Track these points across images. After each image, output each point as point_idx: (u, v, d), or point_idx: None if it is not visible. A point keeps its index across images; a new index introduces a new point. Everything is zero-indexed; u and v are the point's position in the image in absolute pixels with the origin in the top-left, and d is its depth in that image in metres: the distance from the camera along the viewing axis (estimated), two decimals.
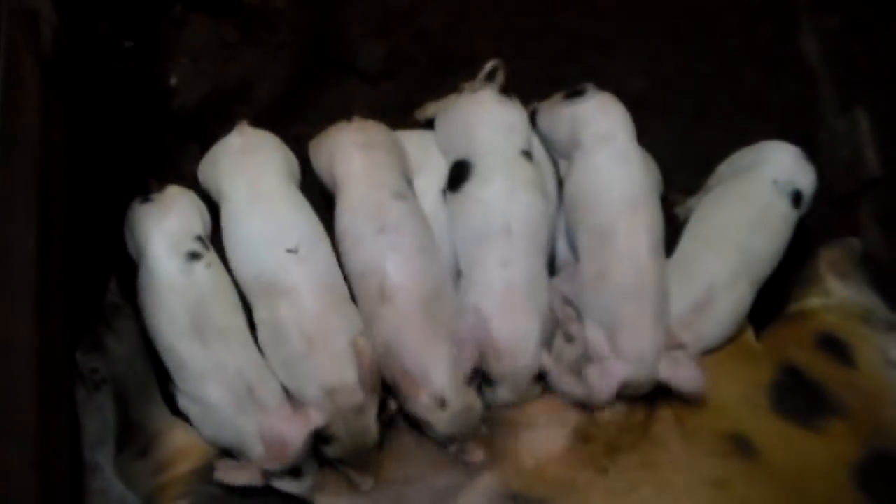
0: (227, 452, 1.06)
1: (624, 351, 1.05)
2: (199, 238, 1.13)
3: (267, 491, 1.03)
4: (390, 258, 1.07)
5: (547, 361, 1.07)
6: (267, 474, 1.02)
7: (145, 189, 1.15)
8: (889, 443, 1.08)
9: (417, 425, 1.06)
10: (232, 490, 1.03)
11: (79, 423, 1.10)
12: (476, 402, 1.05)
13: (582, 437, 1.05)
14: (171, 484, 1.04)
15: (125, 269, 1.15)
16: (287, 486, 1.04)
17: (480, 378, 1.07)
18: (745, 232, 1.14)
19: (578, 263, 1.12)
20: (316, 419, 1.02)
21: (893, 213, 1.36)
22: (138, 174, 1.20)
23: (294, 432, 1.01)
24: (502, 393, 1.07)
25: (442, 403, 1.02)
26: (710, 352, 1.12)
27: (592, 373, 1.05)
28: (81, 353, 1.13)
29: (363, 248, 1.09)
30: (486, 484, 1.01)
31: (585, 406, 1.06)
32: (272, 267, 1.07)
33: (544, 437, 1.05)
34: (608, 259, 1.08)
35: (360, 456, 1.04)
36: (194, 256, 1.10)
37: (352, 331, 1.06)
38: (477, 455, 1.04)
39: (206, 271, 1.10)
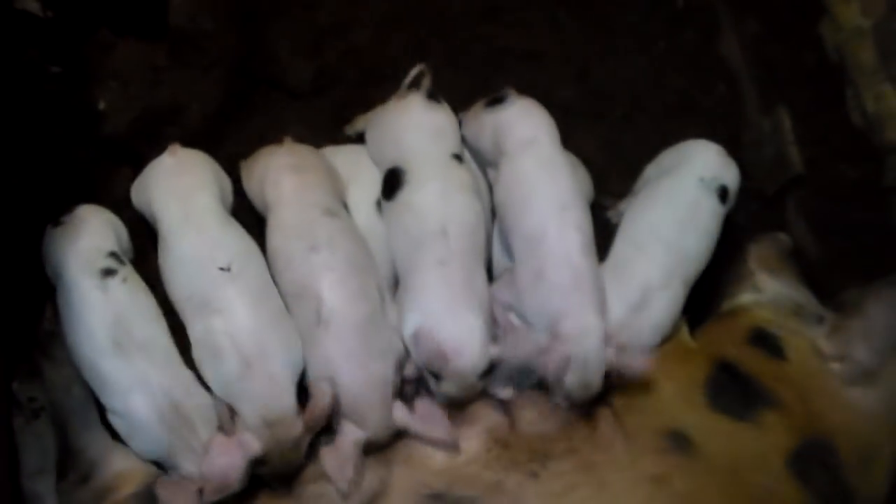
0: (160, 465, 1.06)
1: (568, 334, 1.06)
2: (113, 254, 1.13)
3: None
4: (324, 278, 1.07)
5: (493, 354, 1.08)
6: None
7: (56, 213, 1.16)
8: (821, 431, 1.12)
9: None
10: None
11: (17, 453, 1.09)
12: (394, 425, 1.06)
13: (499, 443, 1.05)
14: None
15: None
16: None
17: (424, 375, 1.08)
18: (675, 231, 1.17)
19: (514, 268, 1.14)
20: (252, 448, 1.02)
21: (818, 208, 1.40)
22: (69, 200, 1.19)
23: (233, 467, 1.01)
24: (448, 388, 1.07)
25: (366, 441, 1.04)
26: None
27: (544, 362, 1.06)
28: (18, 383, 1.12)
29: (295, 267, 1.09)
30: (405, 484, 1.02)
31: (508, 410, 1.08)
32: (205, 286, 1.07)
33: (462, 438, 1.06)
34: (542, 261, 1.10)
35: (286, 474, 1.06)
36: (108, 273, 1.10)
37: (290, 350, 1.06)
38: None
39: (123, 286, 1.09)
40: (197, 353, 1.07)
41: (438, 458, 1.04)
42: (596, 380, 1.06)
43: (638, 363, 1.07)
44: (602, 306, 1.10)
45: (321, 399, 1.02)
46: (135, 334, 1.06)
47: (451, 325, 1.06)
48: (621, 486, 1.01)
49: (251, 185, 1.20)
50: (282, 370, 1.04)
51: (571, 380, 1.05)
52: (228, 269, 1.07)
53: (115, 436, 1.09)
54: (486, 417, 1.07)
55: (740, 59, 1.49)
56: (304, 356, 1.07)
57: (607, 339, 1.08)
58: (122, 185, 1.24)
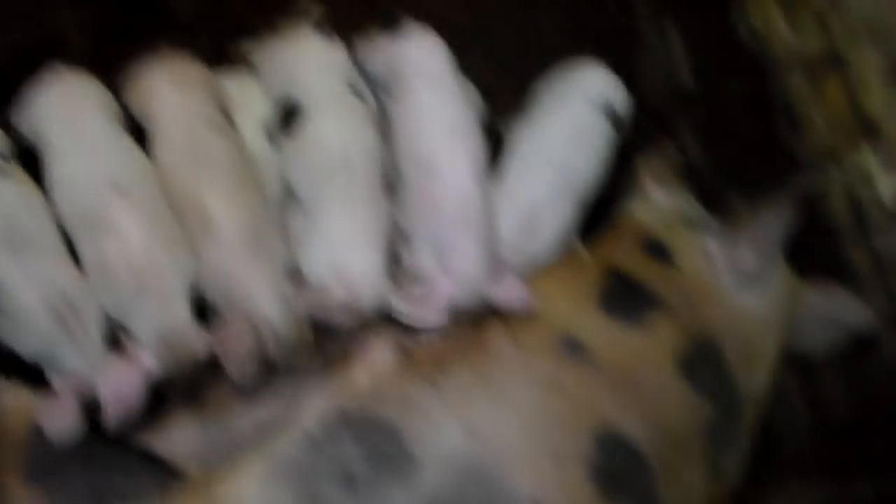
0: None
1: (452, 272, 1.09)
2: (3, 156, 1.11)
3: (98, 442, 1.03)
4: (210, 194, 1.08)
5: (386, 289, 1.10)
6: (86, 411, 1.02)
7: None
8: (709, 333, 1.17)
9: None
10: (71, 449, 1.01)
11: None
12: (307, 334, 1.07)
13: (407, 354, 1.08)
14: (7, 447, 1.03)
15: None
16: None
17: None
18: (563, 150, 1.20)
19: (404, 192, 1.15)
20: (150, 367, 1.02)
21: (707, 124, 1.45)
22: None
23: (132, 388, 1.01)
24: (345, 321, 1.09)
25: (275, 332, 1.05)
26: (539, 267, 1.17)
27: (422, 294, 1.09)
28: None
29: (182, 185, 1.09)
30: (314, 410, 1.03)
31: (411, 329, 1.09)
32: (96, 204, 1.06)
33: (372, 357, 1.08)
34: (432, 187, 1.12)
35: (188, 393, 1.06)
36: None
37: (184, 266, 1.06)
38: (320, 366, 1.07)
39: (13, 188, 1.08)
40: (88, 271, 1.06)
41: (356, 379, 1.06)
42: (475, 311, 1.10)
43: (517, 302, 1.10)
44: (490, 239, 1.13)
45: (238, 334, 1.03)
46: (25, 232, 1.05)
47: (356, 258, 1.08)
48: (516, 393, 1.04)
49: (135, 102, 1.19)
50: (175, 285, 1.05)
51: (455, 309, 1.09)
52: (119, 186, 1.06)
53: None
54: (394, 334, 1.10)
55: None
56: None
57: (493, 263, 1.11)
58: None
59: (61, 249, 1.07)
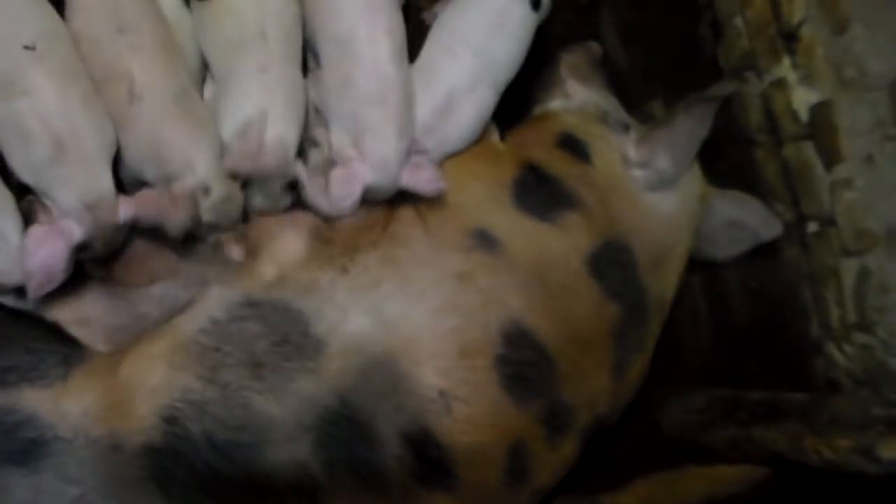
0: None
1: (368, 155, 1.06)
2: None
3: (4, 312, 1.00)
4: (133, 59, 1.02)
5: (300, 170, 1.06)
6: None
7: None
8: (619, 232, 1.17)
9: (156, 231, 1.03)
10: None
11: None
12: (237, 193, 1.04)
13: (320, 239, 1.05)
14: None
15: None
16: (10, 301, 0.99)
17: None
18: (484, 36, 1.15)
19: (321, 71, 1.11)
20: (73, 234, 0.97)
21: (630, 20, 1.42)
22: None
23: (56, 256, 0.96)
24: (255, 198, 1.06)
25: (206, 191, 1.01)
26: (454, 154, 1.14)
27: (336, 175, 1.05)
28: None
29: (102, 51, 1.03)
30: (220, 292, 1.01)
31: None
32: (8, 66, 0.98)
33: (283, 243, 1.05)
34: (350, 66, 1.08)
35: (101, 265, 1.02)
36: None
37: (103, 132, 1.00)
38: (236, 251, 1.03)
39: None
40: (2, 137, 0.99)
41: (262, 269, 1.03)
42: (390, 188, 1.08)
43: (430, 186, 1.08)
44: (407, 122, 1.09)
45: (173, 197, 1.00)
46: None
47: (269, 131, 1.03)
48: (425, 282, 1.03)
49: None
50: (96, 151, 0.99)
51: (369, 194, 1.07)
52: (34, 48, 0.98)
53: None
54: (312, 219, 1.07)
55: None
56: (118, 139, 1.02)
57: (409, 146, 1.08)
58: None
59: None
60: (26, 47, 0.98)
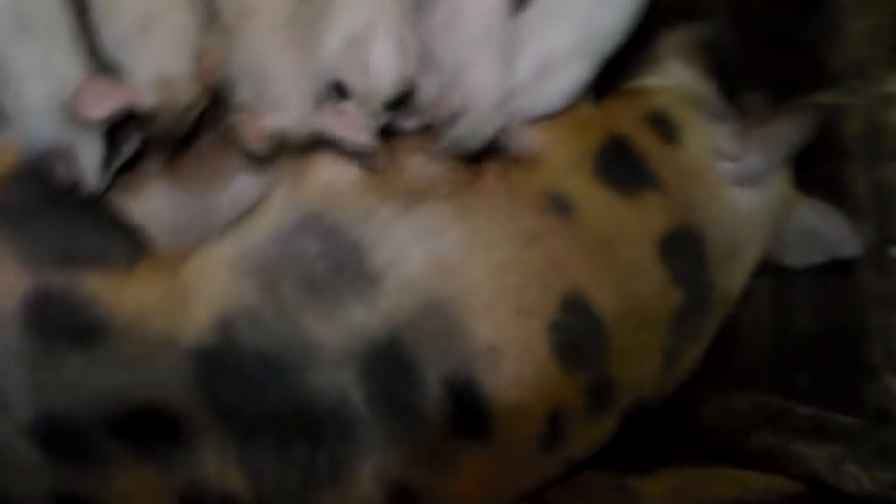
0: None
1: (468, 84, 1.04)
2: None
3: (73, 201, 0.99)
4: None
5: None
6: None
7: None
8: (696, 220, 1.15)
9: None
10: (47, 191, 0.98)
11: None
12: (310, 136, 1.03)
13: (380, 174, 1.04)
14: None
15: None
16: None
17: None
18: (590, 3, 1.13)
19: (427, 9, 1.09)
20: (142, 97, 0.96)
21: (744, 7, 1.38)
22: None
23: (117, 95, 0.96)
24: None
25: (282, 133, 1.01)
26: (544, 117, 1.13)
27: (434, 113, 1.04)
28: None
29: None
30: (285, 198, 1.02)
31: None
32: None
33: (339, 165, 1.04)
34: (458, 5, 1.06)
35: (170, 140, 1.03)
36: None
37: (192, 21, 1.00)
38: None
39: None
40: (95, 12, 1.00)
41: (319, 178, 1.03)
42: (484, 136, 1.06)
43: (524, 140, 1.07)
44: (508, 67, 1.08)
45: (208, 57, 0.99)
46: (37, 18, 0.98)
47: (378, 45, 1.02)
48: (494, 237, 1.03)
49: None
50: (182, 32, 0.99)
51: (461, 130, 1.04)
52: None
53: None
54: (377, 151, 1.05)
55: None
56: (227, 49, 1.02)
57: (505, 100, 1.06)
58: None
59: (71, 37, 0.99)
60: None
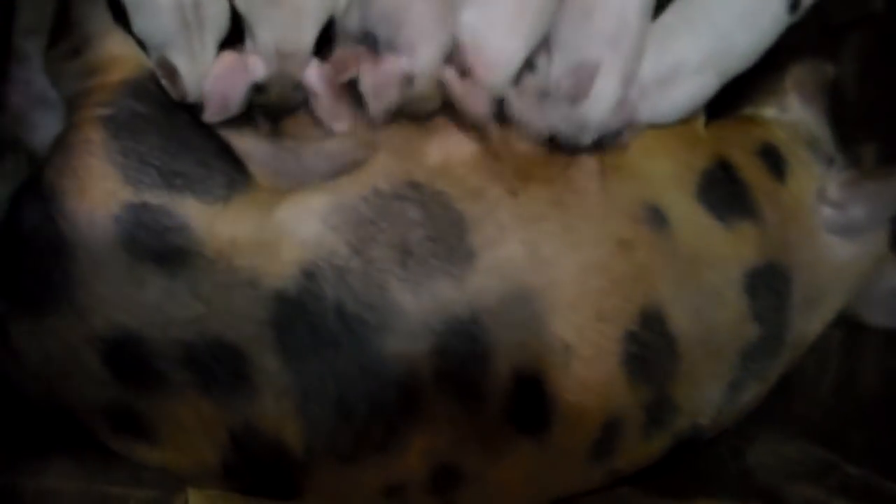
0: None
1: (588, 89, 1.04)
2: None
3: (187, 117, 1.03)
4: None
5: (511, 91, 1.05)
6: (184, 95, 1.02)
7: None
8: (787, 260, 1.14)
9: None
10: (157, 110, 1.01)
11: (13, 5, 1.04)
12: (435, 96, 1.04)
13: (493, 153, 1.05)
14: (97, 90, 1.01)
15: None
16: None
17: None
18: (732, 20, 1.11)
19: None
20: (257, 71, 1.01)
21: (877, 55, 1.34)
22: None
23: (235, 88, 1.00)
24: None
25: (409, 81, 1.01)
26: (657, 126, 1.12)
27: (545, 103, 1.04)
28: None
29: None
30: (390, 164, 1.02)
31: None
32: None
33: (455, 140, 1.05)
34: (595, 2, 1.05)
35: (279, 111, 1.05)
36: None
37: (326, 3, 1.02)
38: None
39: None
40: None
41: (429, 152, 1.04)
42: (589, 135, 1.05)
43: (626, 139, 1.07)
44: (631, 75, 1.07)
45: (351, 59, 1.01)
46: None
47: (499, 39, 1.03)
48: (586, 236, 1.02)
49: None
50: (313, 9, 1.01)
51: (570, 126, 1.05)
52: None
53: (117, 18, 1.05)
54: (486, 129, 1.05)
55: None
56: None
57: (621, 103, 1.06)
58: None
59: None
60: None
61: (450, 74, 1.03)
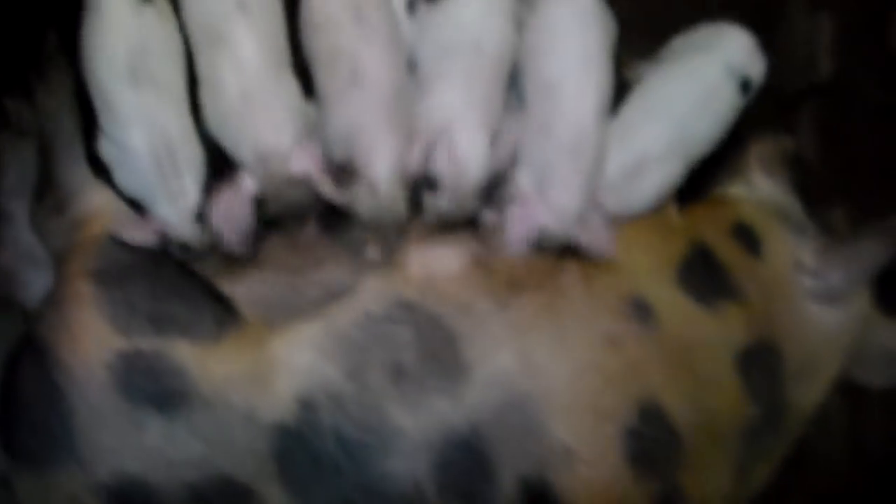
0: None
1: (549, 200, 1.07)
2: None
3: (171, 263, 1.05)
4: (365, 45, 1.07)
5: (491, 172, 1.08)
6: (161, 236, 1.04)
7: None
8: (775, 335, 1.15)
9: (327, 218, 1.08)
10: (141, 258, 1.03)
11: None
12: (401, 204, 1.06)
13: (482, 267, 1.06)
14: (83, 243, 1.04)
15: (66, 20, 1.11)
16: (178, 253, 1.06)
17: (423, 183, 1.07)
18: (688, 108, 1.15)
19: (524, 111, 1.12)
20: (249, 187, 1.05)
21: (832, 121, 1.38)
22: None
23: (240, 210, 1.04)
24: (443, 200, 1.07)
25: (374, 191, 1.04)
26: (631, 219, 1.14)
27: (514, 213, 1.07)
28: (9, 100, 1.10)
29: (337, 32, 1.08)
30: (378, 287, 1.04)
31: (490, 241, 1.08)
32: (219, 17, 1.07)
33: (441, 255, 1.07)
34: (551, 112, 1.09)
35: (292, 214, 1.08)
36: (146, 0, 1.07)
37: (291, 99, 1.07)
38: (375, 252, 1.06)
39: (156, 17, 1.07)
40: (202, 89, 1.07)
41: (417, 269, 1.05)
42: (558, 243, 1.08)
43: (600, 246, 1.08)
44: (593, 177, 1.10)
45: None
46: (153, 69, 1.05)
47: (464, 136, 1.06)
48: (577, 339, 1.04)
49: None
50: (281, 109, 1.06)
51: (539, 231, 1.07)
52: (244, 5, 1.06)
53: (97, 173, 1.08)
54: (470, 240, 1.08)
55: None
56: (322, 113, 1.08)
57: (589, 204, 1.09)
58: None
59: (181, 91, 1.08)
60: (238, 2, 1.06)
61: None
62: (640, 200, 1.14)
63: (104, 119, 1.05)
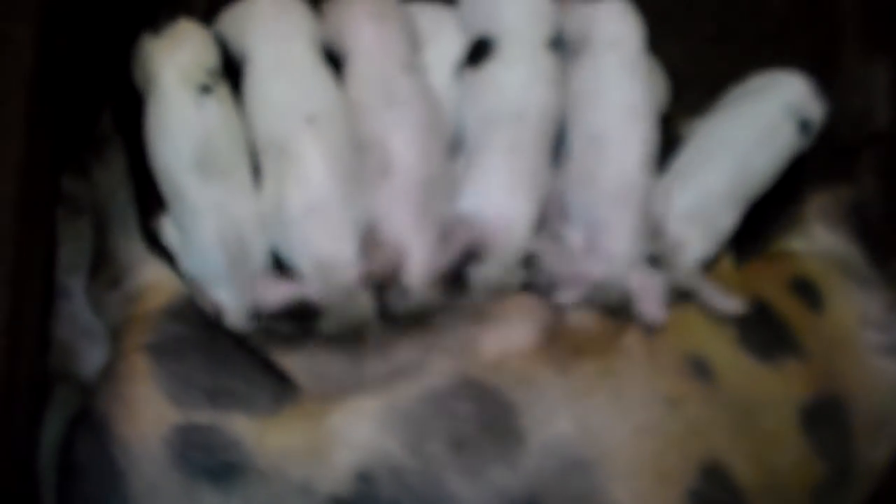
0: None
1: (600, 249, 1.06)
2: (212, 72, 1.11)
3: (228, 335, 1.06)
4: (396, 134, 1.07)
5: (537, 246, 1.08)
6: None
7: (154, 23, 1.13)
8: (840, 391, 1.11)
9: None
10: (197, 332, 1.04)
11: (56, 247, 1.10)
12: (435, 298, 1.05)
13: (551, 336, 1.06)
14: (139, 318, 1.05)
15: (121, 101, 1.14)
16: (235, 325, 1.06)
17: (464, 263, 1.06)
18: (748, 146, 1.15)
19: (569, 162, 1.12)
20: (303, 289, 1.03)
21: (893, 169, 1.36)
22: (143, 7, 1.16)
23: (284, 295, 1.03)
24: (488, 270, 1.06)
25: (406, 296, 1.04)
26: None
27: (566, 269, 1.06)
28: (67, 178, 1.12)
29: (369, 120, 1.08)
30: (443, 365, 1.03)
31: (558, 306, 1.07)
32: (285, 132, 1.06)
33: (514, 332, 1.06)
34: (597, 165, 1.09)
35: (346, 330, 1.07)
36: (206, 90, 1.09)
37: (356, 205, 1.05)
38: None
39: (217, 106, 1.09)
40: (263, 191, 1.07)
41: (486, 348, 1.05)
42: (614, 299, 1.07)
43: (653, 308, 1.06)
44: (641, 229, 1.09)
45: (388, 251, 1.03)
46: (220, 159, 1.06)
47: (506, 205, 1.06)
48: (636, 400, 1.02)
49: (330, 31, 1.17)
50: (344, 220, 1.04)
51: (593, 287, 1.06)
52: (313, 120, 1.06)
53: (152, 246, 1.11)
54: (548, 317, 1.07)
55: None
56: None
57: (639, 258, 1.08)
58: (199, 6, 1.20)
59: (248, 180, 1.09)
60: (306, 116, 1.06)
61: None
62: (704, 246, 1.12)
63: (174, 207, 1.07)
